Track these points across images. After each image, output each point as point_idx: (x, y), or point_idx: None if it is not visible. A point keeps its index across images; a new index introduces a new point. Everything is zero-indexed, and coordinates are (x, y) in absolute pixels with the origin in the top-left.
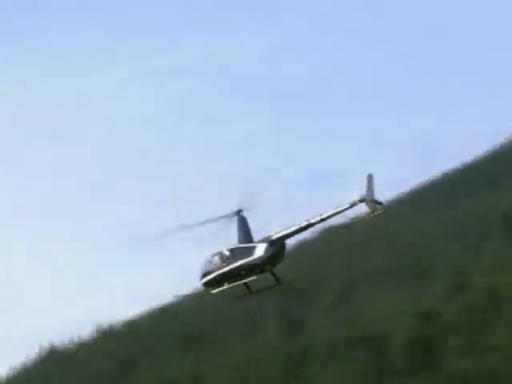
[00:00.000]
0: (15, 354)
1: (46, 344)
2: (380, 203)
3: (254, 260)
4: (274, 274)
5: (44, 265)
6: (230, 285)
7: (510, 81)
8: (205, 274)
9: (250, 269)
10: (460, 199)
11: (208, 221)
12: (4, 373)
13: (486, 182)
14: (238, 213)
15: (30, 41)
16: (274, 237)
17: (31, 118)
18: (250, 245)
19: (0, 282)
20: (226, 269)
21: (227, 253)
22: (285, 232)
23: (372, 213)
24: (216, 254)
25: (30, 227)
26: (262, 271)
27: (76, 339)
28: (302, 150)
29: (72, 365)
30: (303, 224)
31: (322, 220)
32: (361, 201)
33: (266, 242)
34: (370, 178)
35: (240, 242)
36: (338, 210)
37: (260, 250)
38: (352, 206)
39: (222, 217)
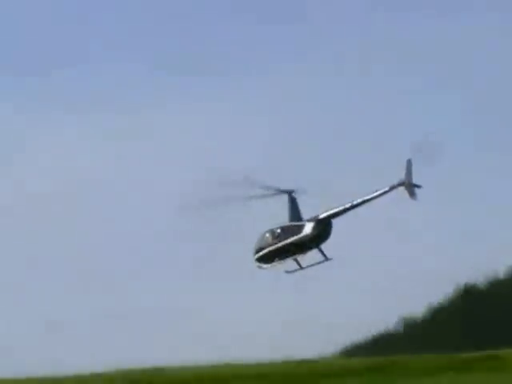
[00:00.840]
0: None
1: (461, 282)
2: (418, 186)
3: (302, 237)
4: (321, 251)
5: None
6: (281, 261)
7: None
8: (258, 250)
9: (299, 245)
10: None
11: (265, 192)
12: (420, 310)
13: None
14: (290, 193)
15: None
16: (321, 216)
17: None
18: (299, 223)
19: None
20: (277, 245)
21: (278, 230)
22: (330, 211)
23: (410, 196)
24: (268, 231)
25: None
26: (310, 248)
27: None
28: None
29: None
30: (347, 205)
31: (364, 202)
32: (400, 184)
33: (314, 220)
34: (408, 163)
35: (290, 221)
36: (379, 192)
37: (308, 228)
38: (392, 188)
39: (277, 191)
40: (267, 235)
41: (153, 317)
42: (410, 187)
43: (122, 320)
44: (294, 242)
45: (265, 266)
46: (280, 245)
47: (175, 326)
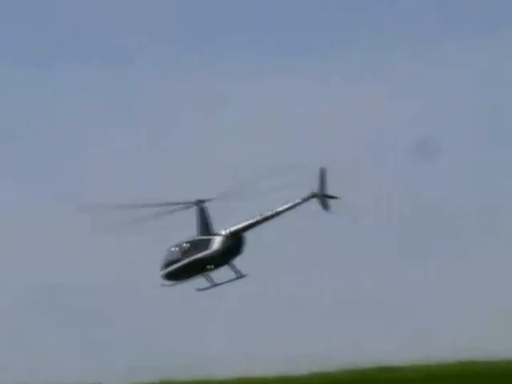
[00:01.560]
0: None
1: None
2: (333, 198)
3: (211, 253)
4: (233, 267)
5: None
6: (190, 278)
7: None
8: (164, 266)
9: (208, 262)
10: None
11: (165, 209)
12: None
13: None
14: (198, 203)
15: None
16: (231, 229)
17: None
18: (207, 237)
19: None
20: (185, 261)
21: (186, 245)
22: (241, 225)
23: (324, 208)
24: (175, 246)
25: None
26: (221, 264)
27: None
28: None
29: None
30: (259, 218)
31: (277, 214)
32: (312, 196)
33: (223, 235)
34: (322, 173)
35: (200, 234)
36: (290, 204)
37: (217, 243)
38: (304, 200)
39: (181, 205)
40: (174, 250)
41: None
42: (323, 199)
43: None
44: (203, 258)
45: (169, 283)
46: (188, 261)
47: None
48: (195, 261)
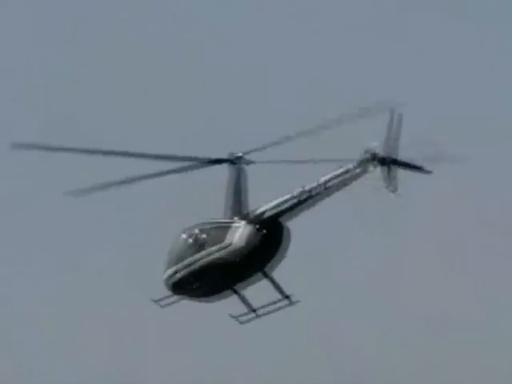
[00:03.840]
0: None
1: None
2: (418, 169)
3: (226, 252)
4: (273, 282)
5: None
6: (209, 295)
7: None
8: (168, 266)
9: (226, 267)
10: None
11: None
12: None
13: None
14: (234, 161)
15: None
16: (261, 210)
17: None
18: (226, 222)
19: None
20: (191, 263)
21: (198, 234)
22: (282, 201)
23: (388, 186)
24: (186, 232)
25: None
26: (248, 273)
27: None
28: None
29: None
30: (308, 187)
31: (333, 182)
32: (372, 158)
33: (250, 218)
34: (394, 118)
35: (226, 213)
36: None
37: (237, 233)
38: (359, 166)
39: (210, 162)
40: (182, 239)
41: None
42: (391, 169)
43: None
44: (216, 260)
45: (171, 298)
46: (197, 264)
47: None
48: (208, 265)
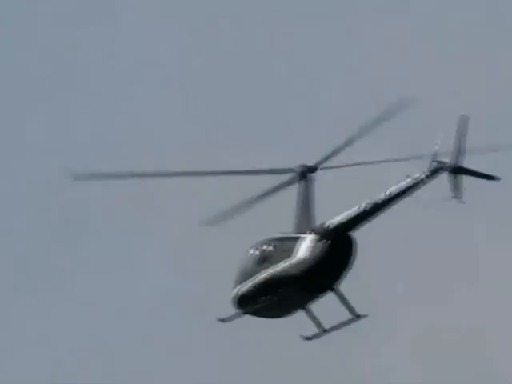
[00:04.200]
0: None
1: None
2: (488, 177)
3: (292, 266)
4: (341, 297)
5: None
6: (274, 311)
7: None
8: (237, 281)
9: (289, 282)
10: None
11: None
12: None
13: None
14: (305, 173)
15: None
16: (331, 224)
17: None
18: (293, 235)
19: None
20: (258, 278)
21: (267, 247)
22: (349, 215)
23: (454, 193)
24: (255, 247)
25: None
26: (316, 289)
27: None
28: None
29: None
30: (378, 200)
31: (392, 199)
32: (441, 167)
33: (318, 232)
34: (463, 124)
35: (296, 227)
36: (410, 182)
37: (304, 247)
38: (431, 176)
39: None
40: (252, 254)
41: None
42: (457, 178)
43: None
44: (281, 275)
45: (236, 313)
46: (261, 277)
47: None
48: (273, 279)
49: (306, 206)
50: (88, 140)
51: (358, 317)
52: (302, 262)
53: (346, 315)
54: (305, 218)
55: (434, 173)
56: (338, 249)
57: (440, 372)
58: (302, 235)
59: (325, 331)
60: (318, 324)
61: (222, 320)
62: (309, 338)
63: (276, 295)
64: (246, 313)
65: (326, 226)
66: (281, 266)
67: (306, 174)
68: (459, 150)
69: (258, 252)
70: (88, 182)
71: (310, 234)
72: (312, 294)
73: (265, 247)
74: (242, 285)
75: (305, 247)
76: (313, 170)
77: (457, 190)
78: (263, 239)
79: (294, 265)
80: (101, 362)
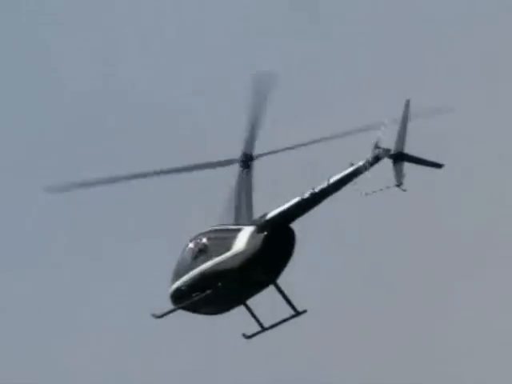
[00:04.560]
0: None
1: None
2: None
3: (229, 259)
4: (281, 292)
5: None
6: (212, 307)
7: None
8: (175, 277)
9: (228, 277)
10: None
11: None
12: None
13: None
14: (246, 161)
15: None
16: (271, 215)
17: None
18: (232, 227)
19: None
20: (195, 273)
21: (203, 241)
22: (288, 205)
23: (397, 179)
24: (193, 241)
25: None
26: (255, 283)
27: None
28: None
29: None
30: (317, 189)
31: (334, 187)
32: (385, 154)
33: (257, 224)
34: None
35: (236, 218)
36: (352, 169)
37: (241, 240)
38: (372, 163)
39: (220, 164)
40: (189, 249)
41: None
42: (399, 164)
43: None
44: (218, 270)
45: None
46: (197, 271)
47: None
48: (209, 273)
49: (245, 196)
50: None
51: (298, 313)
52: (240, 254)
53: (285, 311)
54: (244, 209)
55: (376, 160)
56: (276, 241)
57: (379, 365)
58: (241, 227)
59: (264, 329)
60: (257, 321)
61: (156, 316)
62: (249, 337)
63: (212, 290)
64: (182, 308)
65: (265, 217)
66: (218, 259)
67: (247, 162)
68: (402, 137)
69: (194, 244)
70: None
71: (249, 225)
72: (250, 288)
73: (202, 239)
74: (178, 279)
75: (242, 239)
76: (251, 157)
77: (399, 177)
78: (202, 231)
79: (231, 258)
80: None
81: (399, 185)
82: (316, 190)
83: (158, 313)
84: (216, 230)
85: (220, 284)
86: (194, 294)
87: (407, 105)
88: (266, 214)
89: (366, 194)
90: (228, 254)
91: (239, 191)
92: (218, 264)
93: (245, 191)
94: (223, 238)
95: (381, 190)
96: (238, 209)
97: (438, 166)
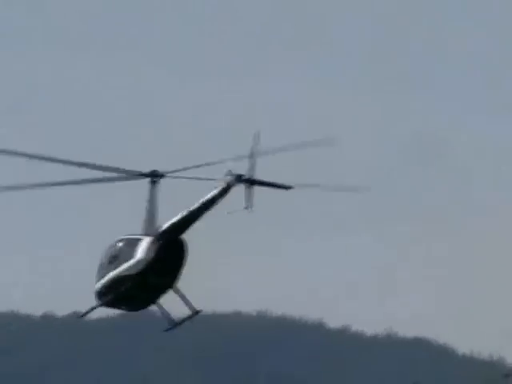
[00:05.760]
0: None
1: None
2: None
3: (131, 266)
4: (180, 294)
5: None
6: (127, 306)
7: None
8: (96, 279)
9: (132, 282)
10: None
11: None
12: None
13: None
14: (153, 176)
15: None
16: (165, 227)
17: None
18: (136, 237)
19: None
20: (108, 276)
21: (116, 246)
22: (173, 221)
23: (246, 202)
24: (115, 243)
25: None
26: (155, 287)
27: None
28: None
29: None
30: (187, 210)
31: (205, 206)
32: (236, 180)
33: (153, 235)
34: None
35: (144, 228)
36: (211, 195)
37: (141, 249)
38: (224, 191)
39: (131, 176)
40: (110, 250)
41: None
42: (249, 187)
43: None
44: (122, 275)
45: (85, 312)
46: (110, 275)
47: None
48: (118, 278)
49: (153, 209)
50: None
51: (196, 312)
52: (139, 262)
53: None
54: (150, 221)
55: (230, 186)
56: (168, 250)
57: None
58: (143, 237)
59: (175, 325)
60: (167, 318)
61: (81, 315)
62: (167, 330)
63: (122, 291)
64: (104, 305)
65: (160, 229)
66: (124, 265)
67: (154, 179)
68: (253, 164)
69: (110, 250)
70: None
71: (148, 236)
72: (151, 291)
73: (115, 246)
74: (99, 280)
75: (142, 248)
76: (160, 175)
77: (248, 200)
78: (118, 238)
79: (132, 265)
80: None
81: (249, 207)
82: (190, 209)
83: (83, 312)
84: (127, 239)
85: (123, 288)
86: (109, 294)
87: (256, 136)
88: (160, 226)
89: (229, 213)
90: (131, 262)
91: (149, 204)
92: (123, 270)
93: (153, 205)
94: (129, 246)
95: (235, 211)
96: (145, 221)
97: (287, 187)
